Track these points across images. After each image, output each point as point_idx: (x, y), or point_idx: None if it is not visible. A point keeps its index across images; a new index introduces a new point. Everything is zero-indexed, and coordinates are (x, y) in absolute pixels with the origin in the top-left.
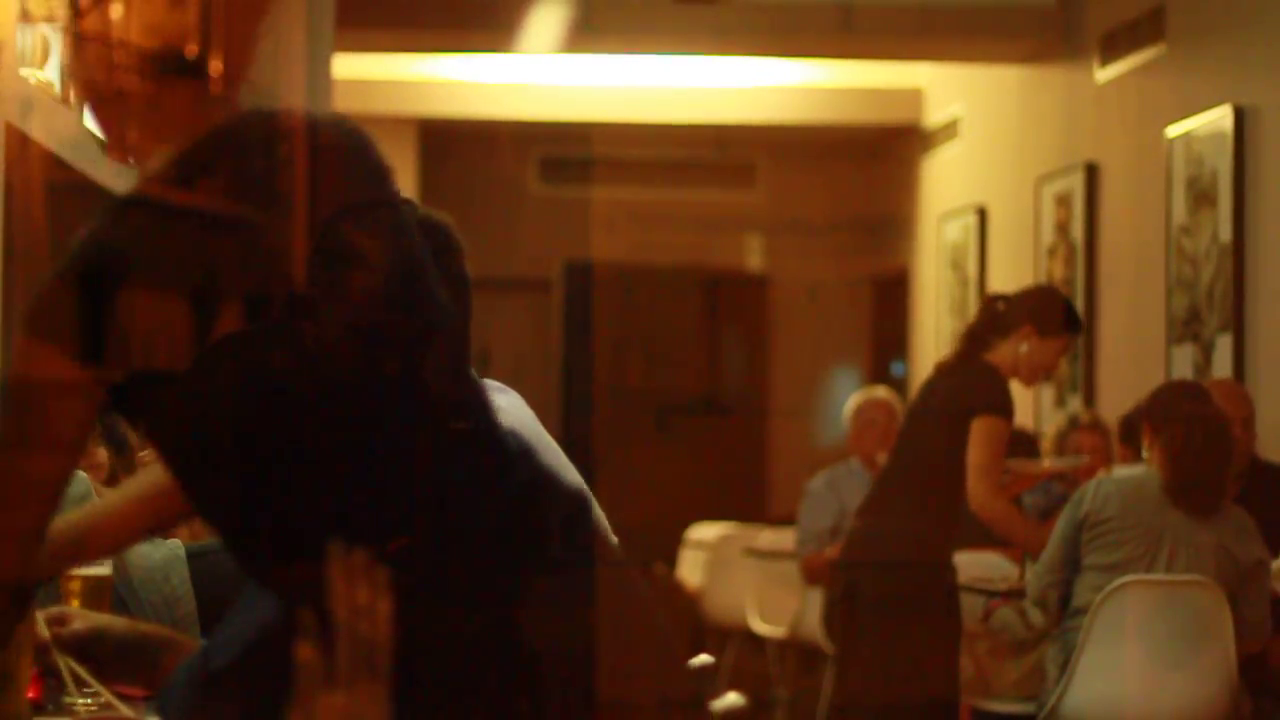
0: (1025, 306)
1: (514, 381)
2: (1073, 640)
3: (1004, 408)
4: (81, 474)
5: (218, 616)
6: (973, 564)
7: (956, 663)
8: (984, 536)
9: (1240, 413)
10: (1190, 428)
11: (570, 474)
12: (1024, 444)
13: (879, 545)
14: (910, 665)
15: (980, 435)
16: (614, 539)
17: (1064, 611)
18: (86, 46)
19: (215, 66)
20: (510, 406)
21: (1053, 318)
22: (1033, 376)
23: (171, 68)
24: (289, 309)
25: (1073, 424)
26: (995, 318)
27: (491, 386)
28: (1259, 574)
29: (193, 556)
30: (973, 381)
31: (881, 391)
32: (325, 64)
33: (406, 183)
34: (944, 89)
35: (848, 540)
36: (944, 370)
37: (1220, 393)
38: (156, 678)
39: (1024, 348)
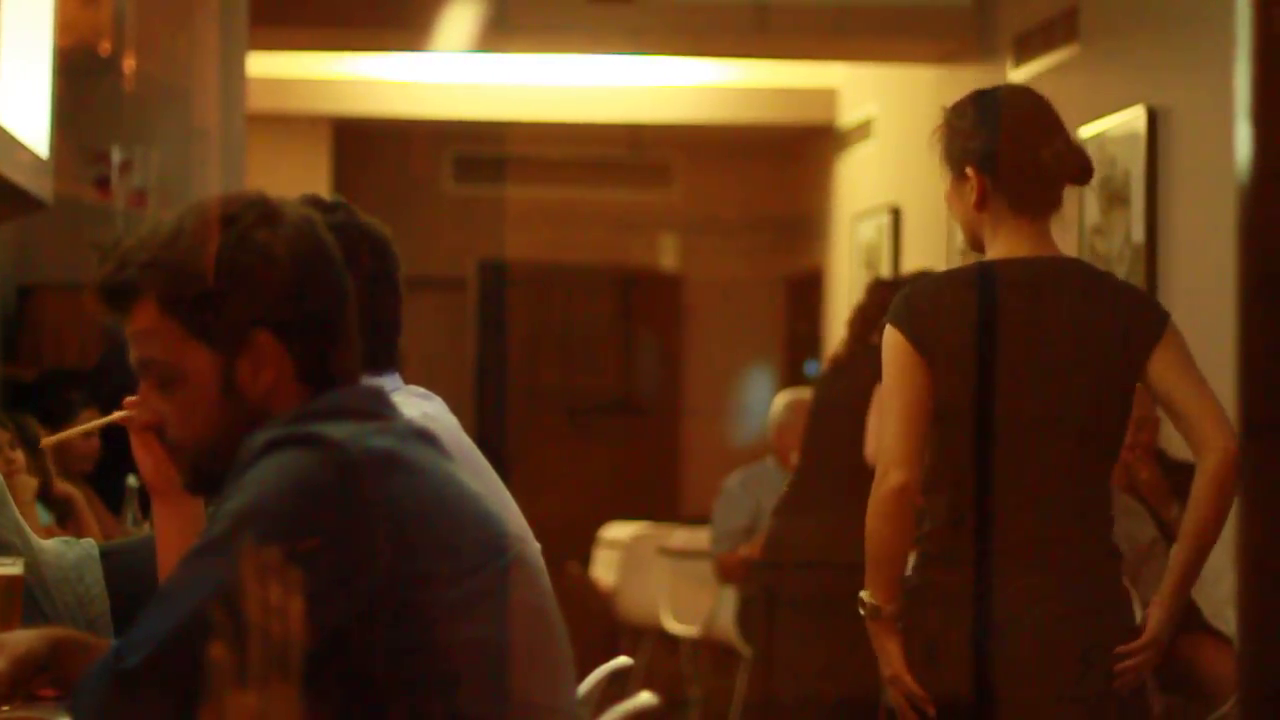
0: None
1: (428, 380)
2: None
3: None
4: None
5: (131, 615)
6: None
7: (876, 662)
8: None
9: (1138, 411)
10: None
11: (489, 480)
12: None
13: (796, 545)
14: (830, 665)
15: (877, 400)
16: (535, 543)
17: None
18: None
19: (129, 64)
20: (434, 413)
21: None
22: None
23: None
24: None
25: None
26: (884, 302)
27: (414, 392)
28: (1156, 552)
29: (106, 555)
30: (867, 363)
31: (804, 393)
32: (239, 62)
33: (320, 182)
34: (858, 89)
35: (766, 540)
36: (839, 362)
37: None
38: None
39: None
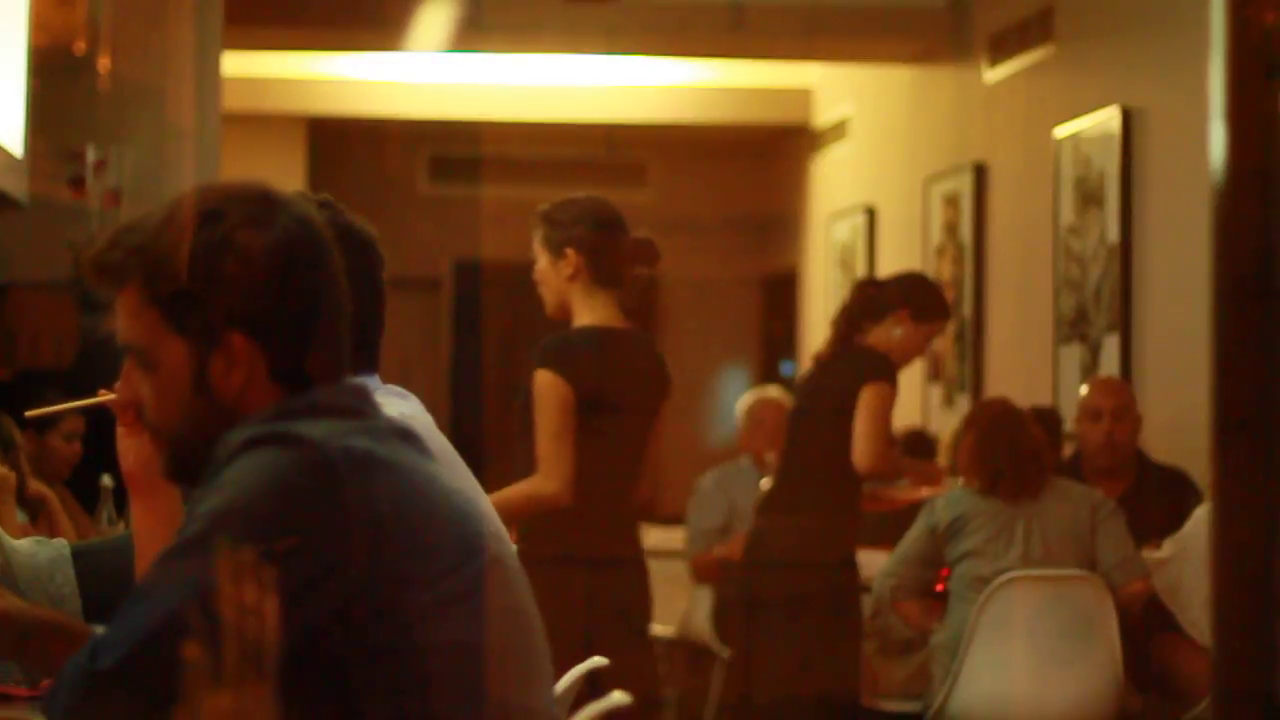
0: (901, 291)
1: (403, 380)
2: (957, 639)
3: (889, 376)
4: None
5: (103, 616)
6: (870, 563)
7: (856, 662)
8: (883, 535)
9: (1109, 403)
10: (972, 427)
11: (466, 481)
12: (922, 444)
13: (780, 544)
14: (810, 665)
15: (864, 402)
16: (511, 544)
17: (904, 605)
18: None
19: (103, 63)
20: (411, 413)
21: (927, 304)
22: (903, 360)
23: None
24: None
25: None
26: (869, 302)
27: (391, 392)
28: (1110, 518)
29: (78, 556)
30: (852, 363)
31: (772, 390)
32: (214, 62)
33: (295, 182)
34: (833, 89)
35: (748, 540)
36: (822, 361)
37: (1095, 388)
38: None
39: (898, 331)
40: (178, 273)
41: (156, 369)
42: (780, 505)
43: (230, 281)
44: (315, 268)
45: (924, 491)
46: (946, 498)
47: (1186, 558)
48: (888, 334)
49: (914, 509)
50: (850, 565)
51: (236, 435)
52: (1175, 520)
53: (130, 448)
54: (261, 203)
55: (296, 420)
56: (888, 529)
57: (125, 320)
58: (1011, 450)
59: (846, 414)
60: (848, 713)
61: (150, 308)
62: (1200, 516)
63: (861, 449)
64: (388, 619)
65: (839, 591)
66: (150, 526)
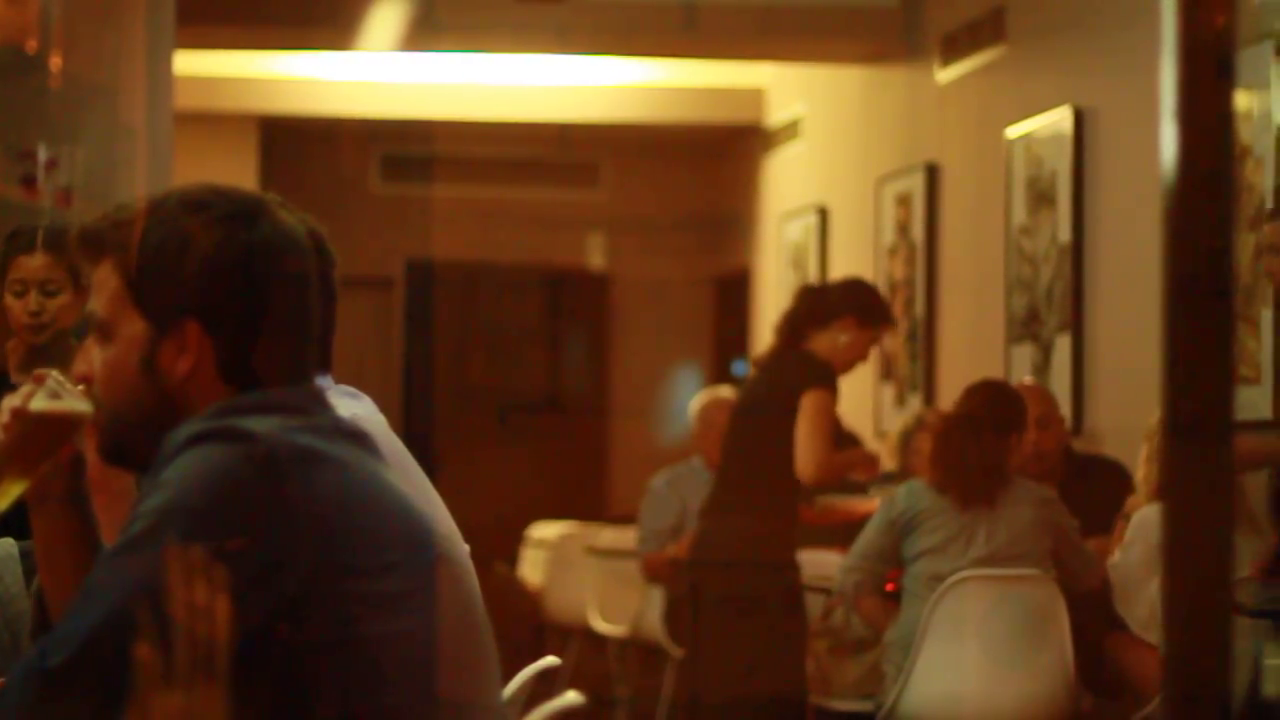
0: (845, 297)
1: (355, 380)
2: (910, 637)
3: (829, 383)
4: None
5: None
6: (812, 563)
7: (803, 661)
8: (825, 536)
9: (1035, 411)
10: (936, 438)
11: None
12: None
13: (722, 545)
14: (756, 664)
15: (806, 409)
16: (463, 544)
17: (865, 601)
18: None
19: (55, 62)
20: (364, 413)
21: (872, 310)
22: (847, 366)
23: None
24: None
25: (919, 424)
26: (813, 308)
27: (344, 392)
28: (1066, 516)
29: (26, 555)
30: (795, 367)
31: (725, 391)
32: (166, 60)
33: (248, 180)
34: (786, 89)
35: (693, 540)
36: (764, 364)
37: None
38: None
39: (843, 338)
40: (149, 252)
41: (112, 342)
42: (720, 507)
43: (196, 270)
44: (283, 275)
45: (874, 501)
46: (907, 489)
47: (1131, 558)
48: (833, 340)
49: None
50: (792, 566)
51: (182, 431)
52: (1109, 509)
53: (91, 448)
54: (247, 204)
55: (242, 416)
56: (837, 530)
57: (96, 290)
58: (973, 461)
59: (788, 418)
60: (796, 712)
61: (119, 281)
62: (1146, 517)
63: (804, 457)
64: (335, 613)
65: (781, 592)
66: (106, 525)
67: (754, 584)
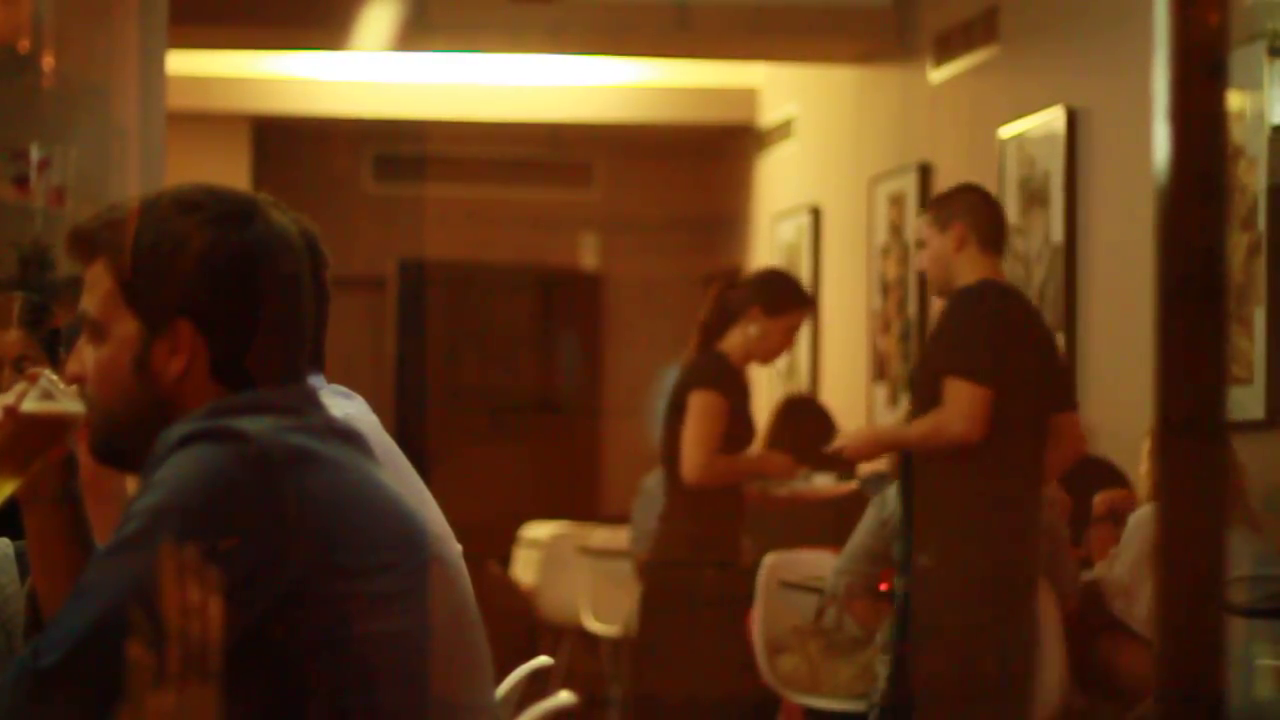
0: (751, 290)
1: (348, 380)
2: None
3: (715, 383)
4: None
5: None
6: (806, 562)
7: (749, 658)
8: (822, 535)
9: None
10: None
11: (410, 480)
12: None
13: (665, 547)
14: (699, 662)
15: (691, 411)
16: (455, 544)
17: (857, 603)
18: None
19: (47, 62)
20: (356, 413)
21: (779, 297)
22: (767, 356)
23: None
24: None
25: None
26: (724, 306)
27: (337, 392)
28: (1059, 521)
29: (22, 555)
30: (688, 370)
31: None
32: (159, 60)
33: (240, 180)
34: (779, 89)
35: (652, 544)
36: (680, 367)
37: None
38: None
39: (753, 329)
40: (141, 252)
41: (105, 342)
42: (665, 512)
43: (188, 270)
44: (275, 275)
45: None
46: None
47: (1131, 556)
48: (744, 333)
49: (820, 504)
50: (732, 565)
51: (174, 431)
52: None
53: (84, 448)
54: (241, 205)
55: (235, 416)
56: (832, 529)
57: (89, 289)
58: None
59: (674, 422)
60: (742, 710)
61: (112, 281)
62: (1144, 516)
63: (686, 460)
64: (327, 613)
65: (719, 591)
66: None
67: (692, 584)
